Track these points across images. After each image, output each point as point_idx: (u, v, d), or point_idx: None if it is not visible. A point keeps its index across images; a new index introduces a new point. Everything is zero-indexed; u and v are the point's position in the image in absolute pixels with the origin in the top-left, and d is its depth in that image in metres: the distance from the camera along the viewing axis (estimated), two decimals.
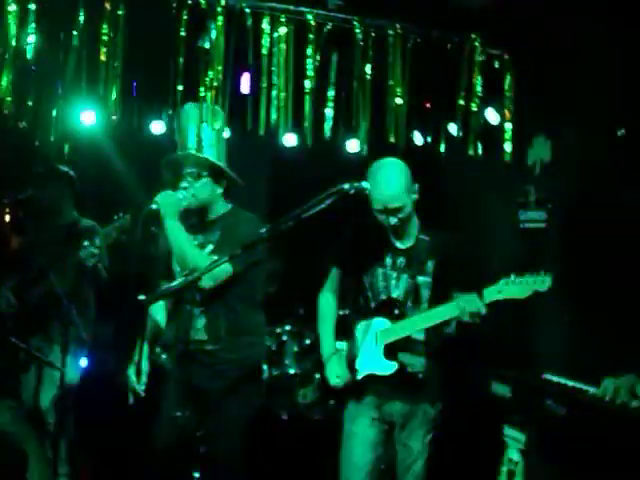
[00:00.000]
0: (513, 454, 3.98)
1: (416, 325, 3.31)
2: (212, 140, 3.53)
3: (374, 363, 3.41)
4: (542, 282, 3.05)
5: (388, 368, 3.37)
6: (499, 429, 4.08)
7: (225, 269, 3.30)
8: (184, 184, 3.45)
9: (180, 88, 4.03)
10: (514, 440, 3.98)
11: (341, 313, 3.64)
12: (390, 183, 3.32)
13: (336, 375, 3.48)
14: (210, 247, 3.46)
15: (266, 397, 5.10)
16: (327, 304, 3.66)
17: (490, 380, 2.83)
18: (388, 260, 3.47)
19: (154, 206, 3.33)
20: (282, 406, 5.16)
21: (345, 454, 3.52)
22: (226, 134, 3.67)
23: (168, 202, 3.36)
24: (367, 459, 3.48)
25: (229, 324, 3.45)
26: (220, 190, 3.53)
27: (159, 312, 3.65)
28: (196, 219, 3.55)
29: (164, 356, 3.92)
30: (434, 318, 3.26)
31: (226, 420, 3.41)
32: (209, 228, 3.51)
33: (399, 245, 3.47)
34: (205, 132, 3.55)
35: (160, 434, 3.47)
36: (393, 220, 3.35)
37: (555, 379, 2.80)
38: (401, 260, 3.44)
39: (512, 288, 3.09)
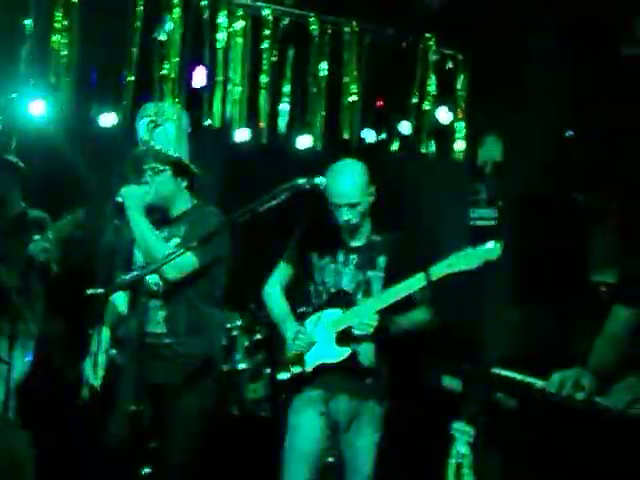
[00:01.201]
0: (461, 447, 4.05)
1: (368, 309, 3.31)
2: (172, 135, 3.51)
3: (325, 352, 3.42)
4: (492, 251, 3.10)
5: (340, 354, 3.37)
6: (449, 423, 4.15)
7: (190, 261, 3.29)
8: (146, 179, 3.43)
9: (133, 79, 3.99)
10: (462, 433, 4.05)
11: (297, 311, 3.63)
12: (349, 179, 3.37)
13: (295, 331, 3.45)
14: (176, 241, 3.44)
15: (217, 393, 5.07)
16: (274, 292, 3.67)
17: (440, 373, 2.86)
18: (340, 257, 3.49)
19: (119, 199, 3.31)
20: (232, 402, 5.14)
21: (289, 445, 3.50)
22: (187, 129, 3.65)
23: (133, 195, 3.34)
24: (311, 450, 3.46)
25: (189, 318, 3.43)
26: (183, 185, 3.52)
27: (122, 305, 3.62)
28: (160, 214, 3.52)
29: (119, 349, 3.87)
30: (384, 300, 3.29)
31: (181, 415, 3.39)
32: (174, 223, 3.49)
33: (352, 244, 3.51)
34: (166, 127, 3.52)
35: (113, 429, 3.43)
36: (348, 215, 3.38)
37: (505, 373, 2.84)
38: (353, 257, 3.48)
39: (462, 260, 3.13)
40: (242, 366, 5.25)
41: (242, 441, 4.97)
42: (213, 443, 4.25)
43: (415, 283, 3.20)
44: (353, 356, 3.38)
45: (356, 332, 3.31)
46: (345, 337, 3.37)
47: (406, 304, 3.39)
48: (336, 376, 3.43)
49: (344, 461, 3.54)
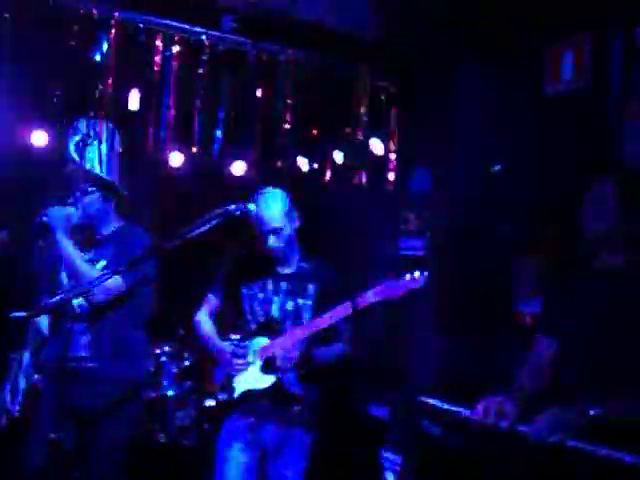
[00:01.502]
0: (389, 476, 4.07)
1: (294, 337, 3.33)
2: (102, 156, 3.47)
3: (251, 379, 3.41)
4: (416, 281, 3.17)
5: (265, 382, 3.38)
6: (377, 451, 4.17)
7: (118, 284, 3.27)
8: (73, 199, 3.38)
9: (63, 98, 3.94)
10: (390, 462, 4.08)
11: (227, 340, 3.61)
12: (271, 206, 3.41)
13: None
14: (103, 263, 3.39)
15: (144, 420, 4.98)
16: (204, 321, 3.64)
17: (368, 402, 2.89)
18: (269, 285, 3.50)
19: (44, 219, 3.26)
20: (159, 429, 5.05)
21: (219, 477, 3.46)
22: (119, 149, 3.61)
23: (58, 216, 3.29)
24: None
25: (113, 342, 3.37)
26: (112, 205, 3.48)
27: (46, 328, 3.53)
28: (88, 234, 3.47)
29: (40, 373, 3.77)
30: (310, 328, 3.31)
31: (104, 441, 3.32)
32: (101, 244, 3.45)
33: (281, 271, 3.52)
34: (96, 148, 3.48)
35: (32, 456, 3.33)
36: (271, 241, 3.40)
37: (430, 401, 2.89)
38: (283, 284, 3.49)
39: (387, 289, 3.19)
40: (170, 393, 5.16)
41: (167, 469, 4.88)
42: (138, 471, 4.18)
43: (342, 310, 3.23)
44: (278, 384, 3.38)
45: (278, 364, 3.33)
46: (270, 365, 3.37)
47: (329, 335, 3.43)
48: (263, 404, 3.42)
49: None
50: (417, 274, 3.19)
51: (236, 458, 3.44)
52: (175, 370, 5.26)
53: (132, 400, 3.47)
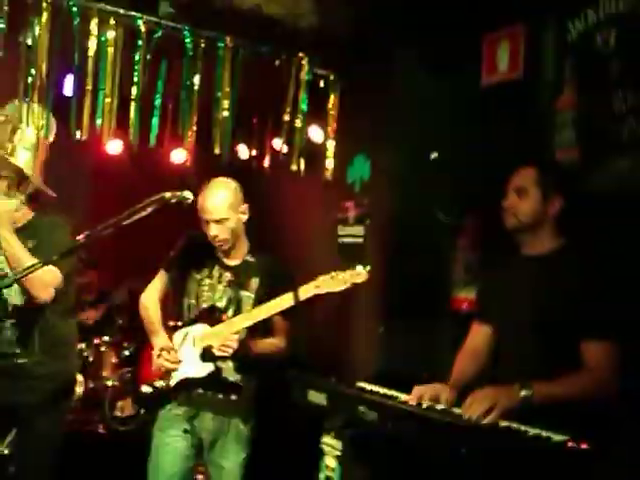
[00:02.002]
0: (330, 461, 4.11)
1: (234, 326, 3.33)
2: (28, 142, 3.37)
3: (189, 367, 3.40)
4: (358, 275, 3.18)
5: (203, 370, 3.37)
6: (317, 437, 4.20)
7: (55, 275, 3.21)
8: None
9: None
10: (331, 447, 4.11)
11: (170, 325, 3.59)
12: (217, 196, 3.39)
13: (161, 347, 3.41)
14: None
15: (83, 410, 4.93)
16: (150, 301, 3.62)
17: (307, 389, 2.91)
18: (215, 273, 3.49)
19: None
20: (99, 419, 5.01)
21: (154, 464, 3.46)
22: (50, 136, 3.51)
23: (3, 210, 3.21)
24: (176, 469, 3.43)
25: (43, 336, 3.32)
26: (22, 196, 3.35)
27: None
28: None
29: None
30: (251, 318, 3.32)
31: (37, 436, 3.27)
32: (20, 236, 3.30)
33: (227, 262, 3.51)
34: (23, 133, 3.39)
35: None
36: (215, 231, 3.38)
37: (368, 387, 2.93)
38: (228, 275, 3.48)
39: (329, 282, 3.19)
40: (109, 383, 5.13)
41: (107, 460, 4.84)
42: (76, 461, 4.14)
43: (283, 302, 3.24)
44: (216, 372, 3.38)
45: (216, 352, 3.33)
46: (209, 354, 3.37)
47: (267, 328, 3.46)
48: (200, 393, 3.42)
49: (210, 478, 3.52)
50: (360, 268, 3.21)
51: (172, 444, 3.43)
52: (115, 360, 5.22)
53: (66, 393, 3.43)
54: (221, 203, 3.38)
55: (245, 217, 3.48)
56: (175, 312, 3.60)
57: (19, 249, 3.20)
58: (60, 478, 3.40)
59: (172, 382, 3.43)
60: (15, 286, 3.20)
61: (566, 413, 2.42)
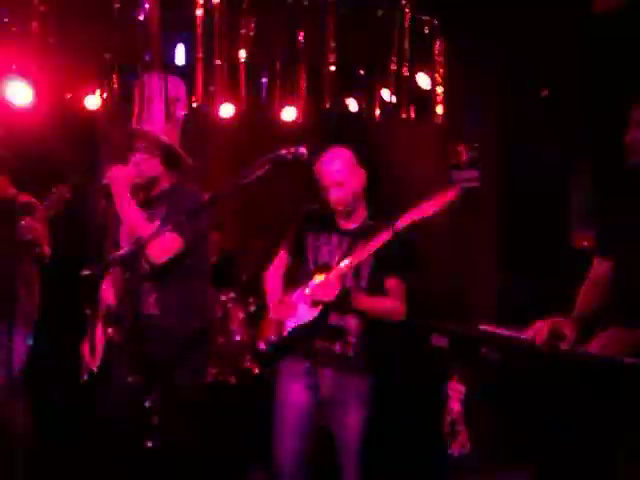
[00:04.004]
0: (455, 404, 4.16)
1: (339, 271, 3.31)
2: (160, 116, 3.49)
3: (300, 316, 3.42)
4: (448, 194, 3.18)
5: (310, 314, 3.38)
6: (441, 381, 4.25)
7: (175, 242, 3.30)
8: (136, 159, 3.42)
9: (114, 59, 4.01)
10: (456, 391, 4.16)
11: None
12: (334, 160, 3.45)
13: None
14: (156, 223, 3.40)
15: (215, 364, 5.16)
16: (272, 277, 3.69)
17: (429, 333, 2.95)
18: (334, 240, 3.51)
19: (106, 181, 3.30)
20: (230, 372, 5.23)
21: (278, 419, 3.53)
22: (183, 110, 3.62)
23: (119, 176, 3.33)
24: (298, 423, 3.49)
25: (180, 297, 3.43)
26: (165, 168, 3.49)
27: (109, 287, 3.65)
28: (142, 195, 3.50)
29: (115, 328, 3.90)
30: (352, 258, 3.31)
31: (176, 390, 3.39)
32: (154, 203, 3.46)
33: (346, 227, 3.54)
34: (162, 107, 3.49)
35: (109, 402, 3.46)
36: (335, 193, 3.44)
37: (490, 329, 2.94)
38: (346, 239, 3.47)
39: (423, 209, 3.18)
40: (237, 338, 5.33)
41: (239, 410, 5.04)
42: (211, 414, 4.34)
43: (382, 237, 3.22)
44: (322, 316, 3.37)
45: (318, 297, 3.33)
46: (316, 299, 3.36)
47: (383, 292, 3.42)
48: (317, 346, 3.44)
49: (333, 434, 3.54)
50: (449, 190, 3.20)
51: (294, 401, 3.49)
52: (242, 315, 5.41)
53: (200, 349, 3.58)
54: (340, 166, 3.43)
55: (363, 183, 3.50)
56: (296, 279, 3.61)
57: (133, 215, 3.32)
58: (197, 429, 3.55)
59: (284, 333, 3.47)
60: None
61: None
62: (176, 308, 3.44)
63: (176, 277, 3.43)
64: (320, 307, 3.36)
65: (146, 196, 3.51)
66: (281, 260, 3.73)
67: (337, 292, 3.28)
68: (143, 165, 3.42)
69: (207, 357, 3.90)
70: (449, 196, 3.20)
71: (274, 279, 3.69)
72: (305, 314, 3.42)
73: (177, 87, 3.58)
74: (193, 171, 3.57)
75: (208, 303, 3.77)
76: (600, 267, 3.01)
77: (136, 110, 3.52)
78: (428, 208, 3.19)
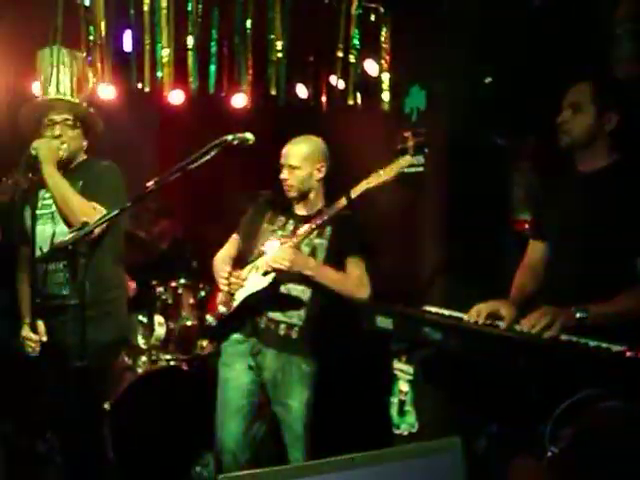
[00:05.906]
0: (403, 385, 4.26)
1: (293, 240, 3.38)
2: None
3: (251, 286, 3.45)
4: (402, 162, 3.32)
5: (262, 283, 3.40)
6: (387, 363, 4.34)
7: (99, 213, 3.20)
8: (56, 132, 3.37)
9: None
10: (402, 372, 4.26)
11: None
12: (296, 144, 3.53)
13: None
14: None
15: (166, 350, 5.18)
16: (221, 259, 3.72)
17: (374, 315, 3.03)
18: (289, 226, 3.55)
19: (33, 152, 3.26)
20: (182, 359, 5.23)
21: (220, 399, 3.57)
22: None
23: (47, 148, 3.29)
24: (241, 404, 3.54)
25: (92, 279, 3.19)
26: (86, 142, 3.50)
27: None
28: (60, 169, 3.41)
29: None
30: (307, 227, 3.39)
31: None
32: (69, 177, 3.39)
33: (301, 213, 3.58)
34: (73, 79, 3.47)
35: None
36: (284, 174, 3.49)
37: (433, 310, 3.03)
38: (301, 225, 3.48)
39: (378, 176, 3.30)
40: (188, 323, 5.34)
41: (192, 397, 5.04)
42: (161, 398, 4.34)
43: (338, 205, 3.33)
44: (275, 285, 3.41)
45: (272, 264, 3.35)
46: (269, 270, 3.40)
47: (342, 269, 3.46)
48: (262, 326, 3.48)
49: (277, 416, 3.59)
50: (407, 157, 3.38)
51: (237, 379, 3.54)
52: (192, 301, 5.43)
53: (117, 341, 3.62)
54: (297, 151, 3.49)
55: (321, 175, 3.55)
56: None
57: (63, 186, 3.28)
58: (136, 415, 3.47)
59: (234, 304, 3.50)
60: (66, 228, 3.26)
61: (622, 329, 2.46)
62: (89, 289, 3.18)
63: (90, 258, 3.21)
64: (270, 276, 3.37)
65: (63, 170, 3.41)
66: (232, 244, 3.76)
67: (290, 259, 3.31)
68: (68, 138, 3.39)
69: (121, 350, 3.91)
70: (400, 164, 3.29)
71: (224, 260, 3.70)
72: (255, 284, 3.43)
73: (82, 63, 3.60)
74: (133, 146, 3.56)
75: (124, 289, 3.75)
76: (535, 250, 3.13)
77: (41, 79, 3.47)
78: (380, 176, 3.29)
